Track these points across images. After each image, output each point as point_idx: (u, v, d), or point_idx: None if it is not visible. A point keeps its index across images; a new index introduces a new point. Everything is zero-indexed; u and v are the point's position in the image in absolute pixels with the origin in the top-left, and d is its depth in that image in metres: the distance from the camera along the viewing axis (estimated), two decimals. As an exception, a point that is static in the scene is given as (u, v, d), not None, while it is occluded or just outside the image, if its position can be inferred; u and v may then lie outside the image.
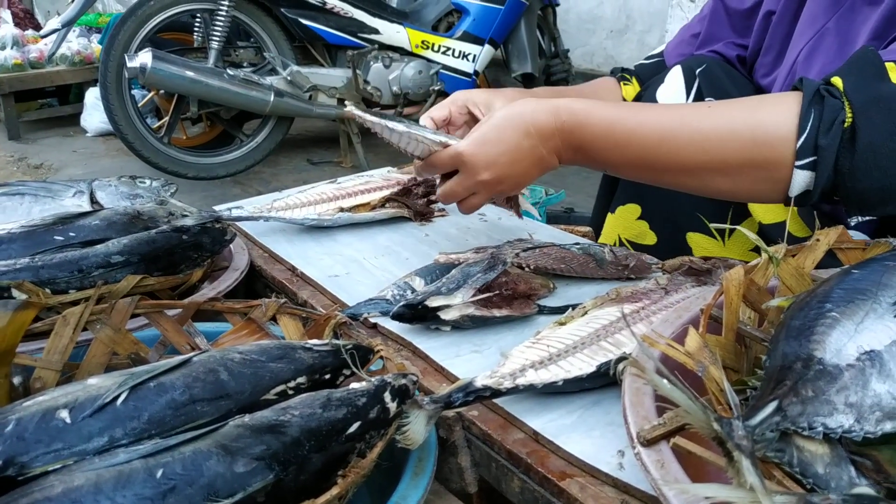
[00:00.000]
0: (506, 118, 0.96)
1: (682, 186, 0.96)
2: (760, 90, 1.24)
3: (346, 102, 0.94)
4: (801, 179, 0.85)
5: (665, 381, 0.48)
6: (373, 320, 0.97)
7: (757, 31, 1.26)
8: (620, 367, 0.66)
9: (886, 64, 0.84)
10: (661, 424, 0.59)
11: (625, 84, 1.35)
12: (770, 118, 0.86)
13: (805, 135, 0.83)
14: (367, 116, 1.00)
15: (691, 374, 0.62)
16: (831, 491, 0.52)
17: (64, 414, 0.61)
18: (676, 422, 0.59)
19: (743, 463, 0.44)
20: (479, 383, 0.74)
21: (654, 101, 1.24)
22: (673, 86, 1.23)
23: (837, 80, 0.85)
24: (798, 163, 0.84)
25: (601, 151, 0.94)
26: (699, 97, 1.20)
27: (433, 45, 3.45)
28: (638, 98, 1.29)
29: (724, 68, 1.24)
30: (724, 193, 0.95)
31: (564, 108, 0.95)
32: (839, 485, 0.52)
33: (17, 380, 0.77)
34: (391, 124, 0.98)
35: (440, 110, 1.11)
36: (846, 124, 0.82)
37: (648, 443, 0.58)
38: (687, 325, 0.73)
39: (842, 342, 0.56)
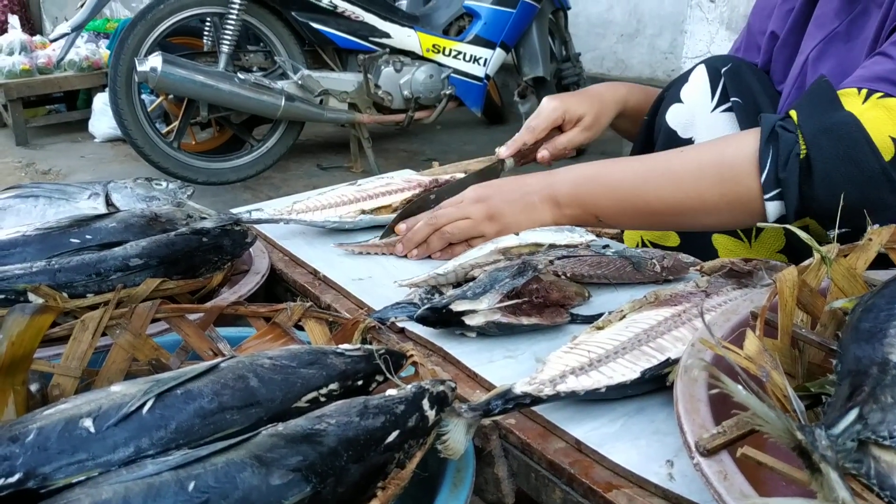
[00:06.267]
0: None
1: (676, 225, 1.08)
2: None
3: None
4: (773, 209, 0.93)
5: (740, 387, 0.44)
6: (400, 324, 0.94)
7: (765, 52, 1.26)
8: (692, 370, 0.62)
9: (842, 91, 0.91)
10: (721, 433, 0.55)
11: None
12: (732, 156, 0.95)
13: (766, 170, 0.91)
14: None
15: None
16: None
17: (88, 423, 0.58)
18: (737, 430, 0.55)
19: (831, 476, 0.40)
20: (518, 390, 0.70)
21: (678, 101, 1.21)
22: (697, 85, 1.20)
23: (793, 113, 0.92)
24: (766, 196, 0.92)
25: (591, 194, 1.05)
26: (724, 97, 1.16)
27: (444, 48, 3.42)
28: (661, 98, 1.26)
29: (752, 68, 1.22)
30: (713, 228, 1.06)
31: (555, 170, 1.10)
32: (917, 498, 0.49)
33: (34, 387, 0.74)
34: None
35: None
36: (801, 156, 0.90)
37: (709, 453, 0.55)
38: (737, 328, 0.70)
39: (917, 345, 0.52)
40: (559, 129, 1.30)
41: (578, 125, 1.28)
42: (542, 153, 1.29)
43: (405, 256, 1.14)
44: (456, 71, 3.45)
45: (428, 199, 1.21)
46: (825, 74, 0.98)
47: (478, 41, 3.45)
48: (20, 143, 4.39)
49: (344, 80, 3.30)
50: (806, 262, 0.72)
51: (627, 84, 1.39)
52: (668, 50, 4.17)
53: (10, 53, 4.36)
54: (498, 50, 3.47)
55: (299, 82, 3.17)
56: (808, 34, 1.12)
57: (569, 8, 3.77)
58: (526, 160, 1.33)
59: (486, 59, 3.47)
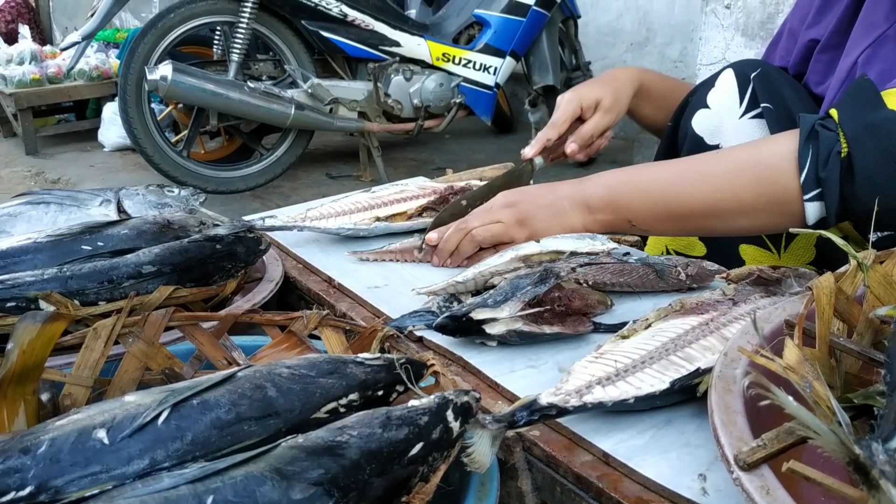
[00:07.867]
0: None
1: (711, 229, 1.02)
2: (815, 98, 1.19)
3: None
4: (813, 210, 0.91)
5: (791, 398, 0.42)
6: (418, 333, 0.92)
7: (798, 56, 1.24)
8: (741, 380, 0.60)
9: (887, 91, 0.88)
10: (762, 446, 0.53)
11: None
12: (769, 156, 0.93)
13: (806, 170, 0.89)
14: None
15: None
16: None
17: (101, 434, 0.56)
18: (778, 443, 0.53)
19: (892, 492, 0.38)
20: (544, 401, 0.68)
21: (704, 106, 1.19)
22: (724, 90, 1.17)
23: (834, 112, 0.90)
24: (805, 196, 0.90)
25: (623, 197, 1.03)
26: (753, 102, 1.14)
27: (454, 57, 3.41)
28: (686, 104, 1.24)
29: (783, 74, 1.19)
30: (748, 231, 1.03)
31: (586, 177, 1.09)
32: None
33: (45, 396, 0.72)
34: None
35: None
36: (843, 154, 0.87)
37: (749, 467, 0.52)
38: (770, 338, 0.67)
39: (970, 354, 0.50)
40: (580, 120, 1.28)
41: (599, 110, 1.27)
42: (571, 146, 1.26)
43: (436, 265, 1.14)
44: (466, 80, 3.44)
45: (459, 204, 1.19)
46: (875, 77, 0.96)
47: (488, 50, 3.43)
48: (30, 153, 4.39)
49: (354, 89, 3.29)
50: (841, 269, 0.70)
51: (639, 67, 1.38)
52: (678, 59, 4.15)
53: (21, 63, 4.37)
54: (508, 59, 3.45)
55: (309, 91, 3.16)
56: (854, 37, 1.10)
57: (579, 16, 3.76)
58: (555, 155, 1.31)
59: (495, 68, 3.46)
